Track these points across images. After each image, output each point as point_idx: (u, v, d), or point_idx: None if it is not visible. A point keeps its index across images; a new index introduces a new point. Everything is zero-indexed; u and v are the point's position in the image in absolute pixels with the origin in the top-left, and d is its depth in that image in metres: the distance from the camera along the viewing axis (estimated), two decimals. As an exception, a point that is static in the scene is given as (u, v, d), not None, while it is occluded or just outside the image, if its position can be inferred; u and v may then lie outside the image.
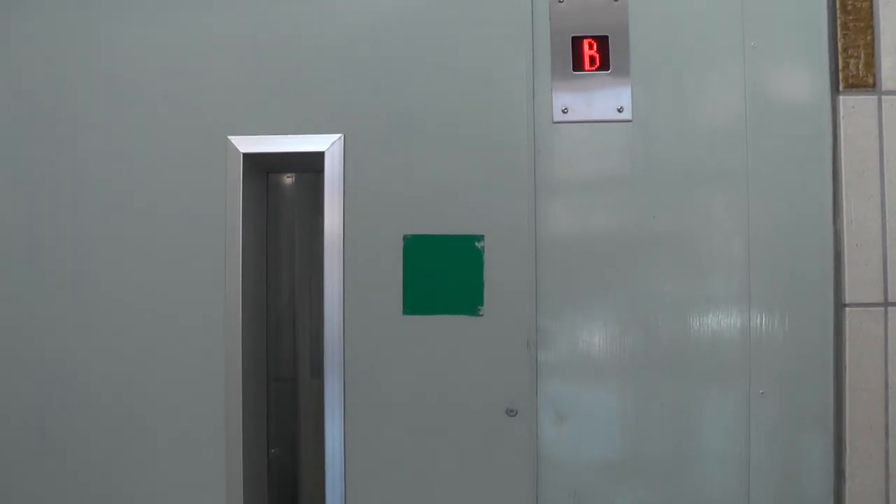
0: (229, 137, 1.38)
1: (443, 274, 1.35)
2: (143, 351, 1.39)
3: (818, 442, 1.30)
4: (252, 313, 1.42)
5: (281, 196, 1.52)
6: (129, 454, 1.39)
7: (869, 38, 1.32)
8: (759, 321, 1.32)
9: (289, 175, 1.52)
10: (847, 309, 1.30)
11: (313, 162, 1.38)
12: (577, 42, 1.36)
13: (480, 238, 1.35)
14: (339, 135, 1.37)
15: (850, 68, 1.32)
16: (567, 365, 1.34)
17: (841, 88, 1.32)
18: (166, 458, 1.38)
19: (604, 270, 1.34)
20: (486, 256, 1.34)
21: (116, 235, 1.40)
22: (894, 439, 1.28)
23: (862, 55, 1.32)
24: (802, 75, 1.34)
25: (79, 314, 1.40)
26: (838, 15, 1.32)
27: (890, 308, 1.29)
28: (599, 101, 1.36)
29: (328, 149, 1.37)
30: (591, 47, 1.36)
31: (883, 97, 1.31)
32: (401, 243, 1.36)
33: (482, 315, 1.34)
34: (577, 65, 1.36)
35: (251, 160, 1.39)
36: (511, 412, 1.33)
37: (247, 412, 1.38)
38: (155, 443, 1.38)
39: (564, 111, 1.36)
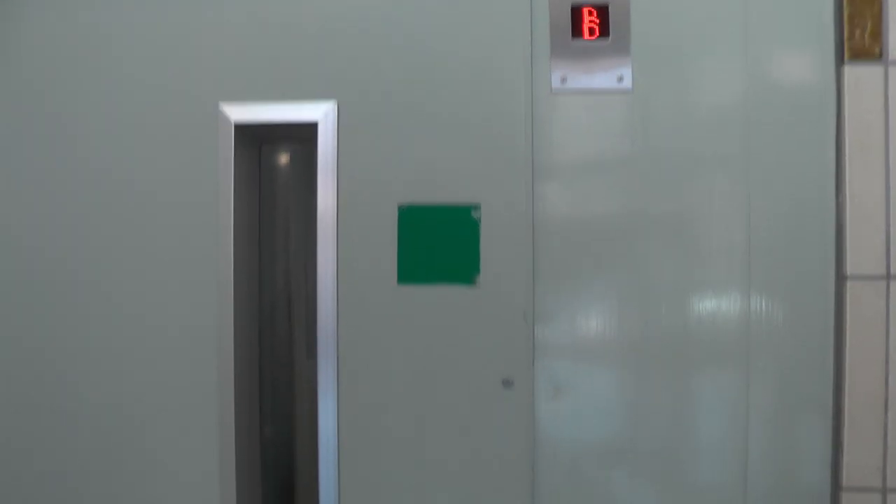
0: (221, 106, 1.36)
1: (438, 243, 1.33)
2: (134, 336, 1.38)
3: (817, 414, 1.29)
4: (245, 291, 1.40)
5: (274, 170, 1.49)
6: (123, 437, 1.38)
7: (876, 7, 1.29)
8: (758, 298, 1.30)
9: (283, 149, 1.49)
10: (848, 282, 1.28)
11: (307, 131, 1.36)
12: (576, 11, 1.33)
13: (477, 207, 1.33)
14: (332, 102, 1.35)
15: (856, 38, 1.29)
16: (564, 345, 1.32)
17: (846, 59, 1.29)
18: (158, 439, 1.37)
19: (602, 244, 1.32)
20: (483, 226, 1.33)
21: (106, 220, 1.39)
22: (893, 412, 1.27)
23: (868, 25, 1.29)
24: (807, 45, 1.31)
25: (70, 302, 1.39)
26: (845, -17, 1.30)
27: (892, 281, 1.27)
28: (599, 70, 1.33)
29: (322, 117, 1.35)
30: (591, 15, 1.33)
31: (890, 68, 1.29)
32: (396, 213, 1.34)
33: (478, 285, 1.33)
34: (577, 34, 1.34)
35: (243, 131, 1.37)
36: (507, 383, 1.32)
37: (239, 392, 1.37)
38: (147, 424, 1.38)
39: (563, 80, 1.34)
